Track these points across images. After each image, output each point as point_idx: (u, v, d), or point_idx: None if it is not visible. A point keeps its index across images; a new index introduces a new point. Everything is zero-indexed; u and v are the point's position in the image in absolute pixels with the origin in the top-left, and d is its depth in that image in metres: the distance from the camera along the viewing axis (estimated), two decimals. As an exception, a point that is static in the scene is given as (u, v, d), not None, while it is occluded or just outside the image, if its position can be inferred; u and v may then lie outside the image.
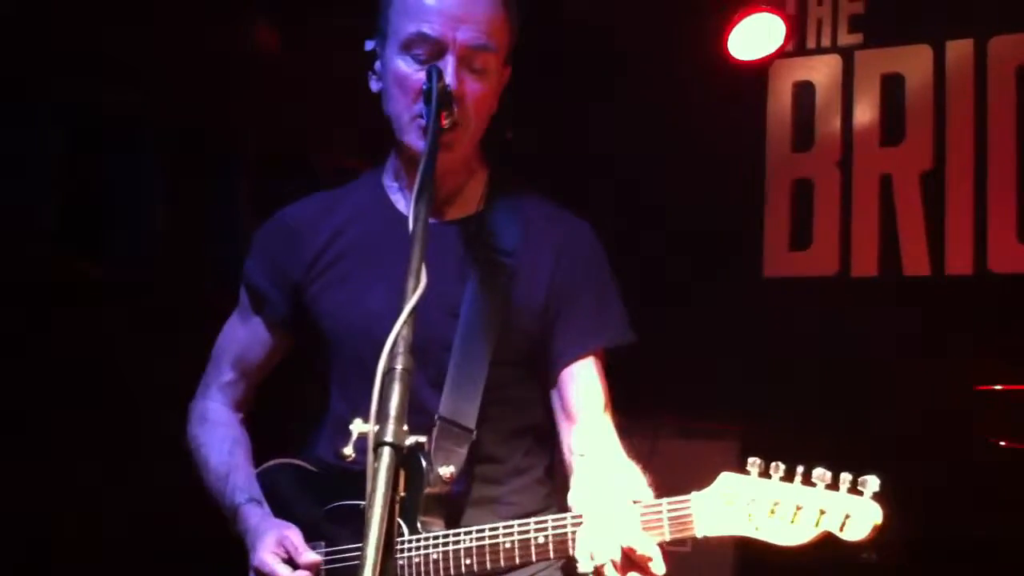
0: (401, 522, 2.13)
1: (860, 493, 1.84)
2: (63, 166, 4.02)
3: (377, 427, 1.67)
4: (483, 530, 2.13)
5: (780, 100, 5.29)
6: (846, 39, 5.18)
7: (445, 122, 2.15)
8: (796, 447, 1.94)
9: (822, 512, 1.87)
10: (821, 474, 1.89)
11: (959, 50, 4.92)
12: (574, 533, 2.06)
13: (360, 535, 1.59)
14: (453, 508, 2.29)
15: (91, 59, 3.92)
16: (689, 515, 1.97)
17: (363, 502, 1.59)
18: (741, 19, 4.89)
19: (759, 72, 5.18)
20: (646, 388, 4.24)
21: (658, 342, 2.79)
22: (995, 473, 4.27)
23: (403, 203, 2.45)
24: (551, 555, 2.10)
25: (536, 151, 4.82)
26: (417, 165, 2.04)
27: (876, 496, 1.84)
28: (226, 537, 2.46)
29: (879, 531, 1.84)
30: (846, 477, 1.86)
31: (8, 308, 3.67)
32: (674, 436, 4.72)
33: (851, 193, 5.10)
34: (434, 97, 2.11)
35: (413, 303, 1.74)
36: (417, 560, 2.16)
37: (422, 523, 2.20)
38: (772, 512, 1.90)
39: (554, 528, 2.08)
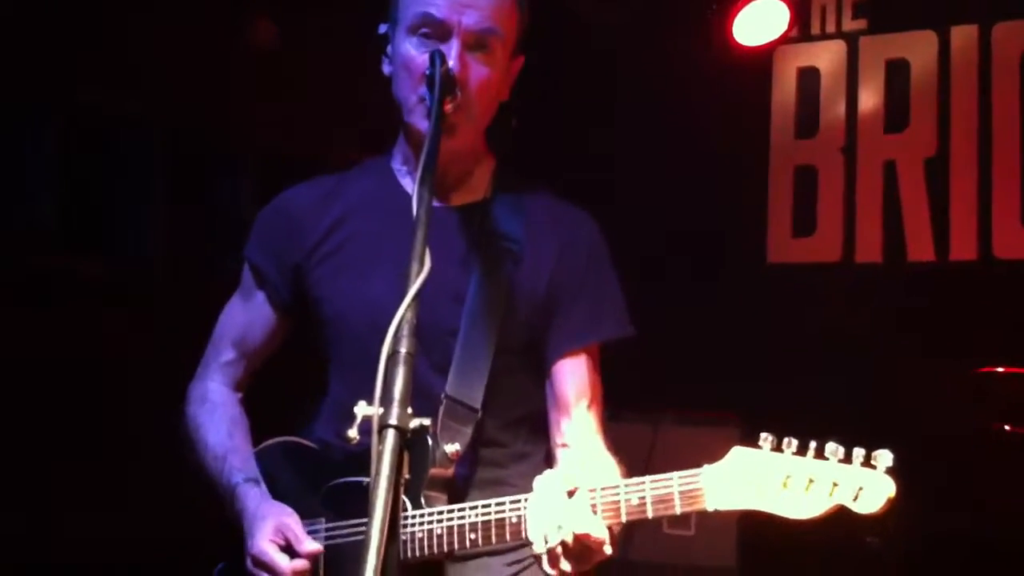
0: (405, 499, 2.14)
1: (873, 467, 1.83)
2: (63, 166, 4.02)
3: (382, 410, 1.67)
4: (488, 504, 2.14)
5: (784, 86, 5.29)
6: (850, 25, 5.18)
7: (448, 107, 2.16)
8: (798, 432, 1.93)
9: (835, 484, 1.85)
10: (834, 448, 1.87)
11: (963, 36, 4.91)
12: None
13: (362, 511, 1.58)
14: (458, 487, 2.30)
15: (91, 59, 3.93)
16: (700, 488, 1.96)
17: (366, 479, 1.58)
18: (745, 5, 4.89)
19: (763, 58, 5.18)
20: (648, 374, 4.25)
21: (661, 329, 2.79)
22: (999, 458, 4.27)
23: (412, 187, 2.45)
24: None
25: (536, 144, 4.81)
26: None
27: (889, 471, 1.83)
28: (226, 537, 2.42)
29: (891, 505, 1.83)
30: (859, 451, 1.85)
31: (8, 308, 3.67)
32: (676, 423, 4.72)
33: (855, 179, 5.10)
34: (437, 81, 2.11)
35: (417, 286, 1.74)
36: (420, 535, 2.17)
37: (426, 498, 2.21)
38: (785, 485, 1.89)
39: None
